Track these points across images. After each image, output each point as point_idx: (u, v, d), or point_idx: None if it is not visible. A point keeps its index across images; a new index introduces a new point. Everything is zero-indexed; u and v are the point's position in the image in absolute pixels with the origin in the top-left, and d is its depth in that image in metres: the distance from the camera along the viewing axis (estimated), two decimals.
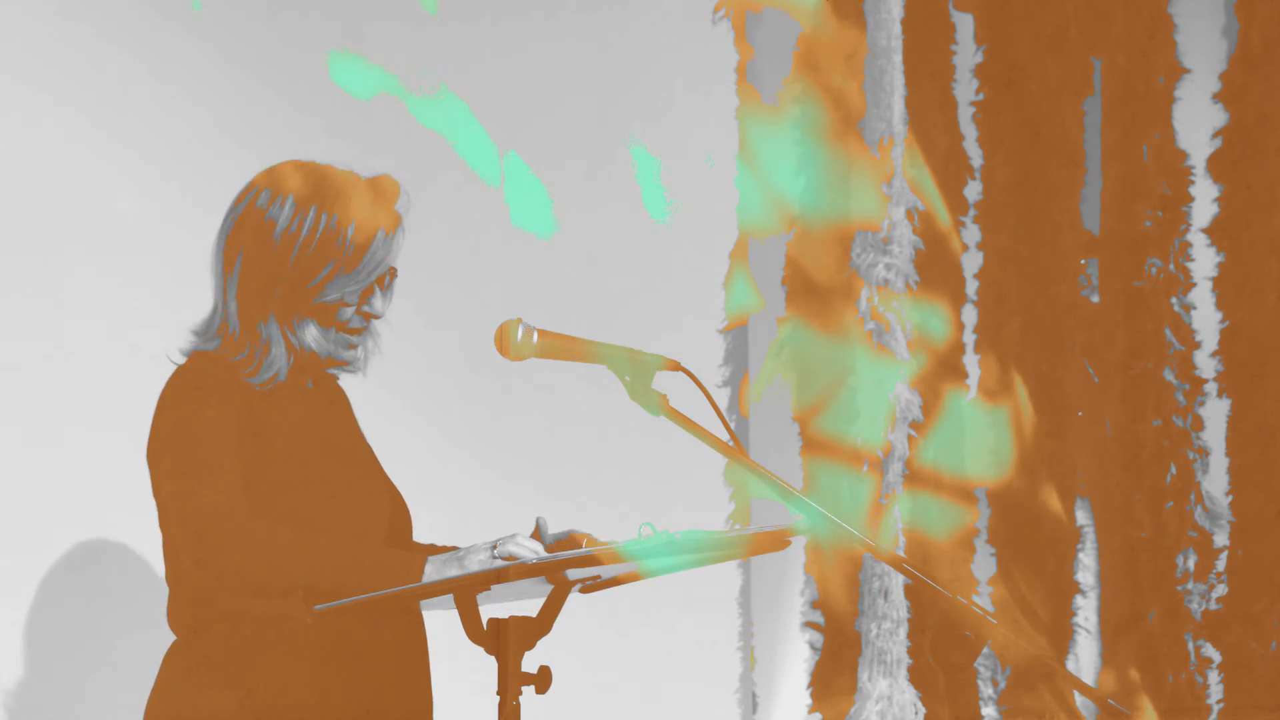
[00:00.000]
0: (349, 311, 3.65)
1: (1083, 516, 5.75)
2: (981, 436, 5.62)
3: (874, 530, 5.43)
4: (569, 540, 3.64)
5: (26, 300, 4.62)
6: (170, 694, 3.58)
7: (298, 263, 3.60)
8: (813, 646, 5.54)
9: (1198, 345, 5.75)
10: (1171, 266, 5.73)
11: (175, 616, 3.61)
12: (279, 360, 3.61)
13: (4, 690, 4.54)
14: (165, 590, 3.62)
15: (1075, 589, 5.71)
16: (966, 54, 5.76)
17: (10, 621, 4.56)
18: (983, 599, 5.64)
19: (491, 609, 3.48)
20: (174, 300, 4.69)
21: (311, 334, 3.64)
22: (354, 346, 3.68)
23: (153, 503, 3.58)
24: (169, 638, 3.62)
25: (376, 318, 3.68)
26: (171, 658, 3.60)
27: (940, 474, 5.53)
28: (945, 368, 5.61)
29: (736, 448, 3.53)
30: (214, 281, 3.66)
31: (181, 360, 3.62)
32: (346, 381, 3.77)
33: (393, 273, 3.68)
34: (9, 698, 4.54)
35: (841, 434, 5.46)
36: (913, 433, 5.49)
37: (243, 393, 3.58)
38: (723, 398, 5.56)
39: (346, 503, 3.63)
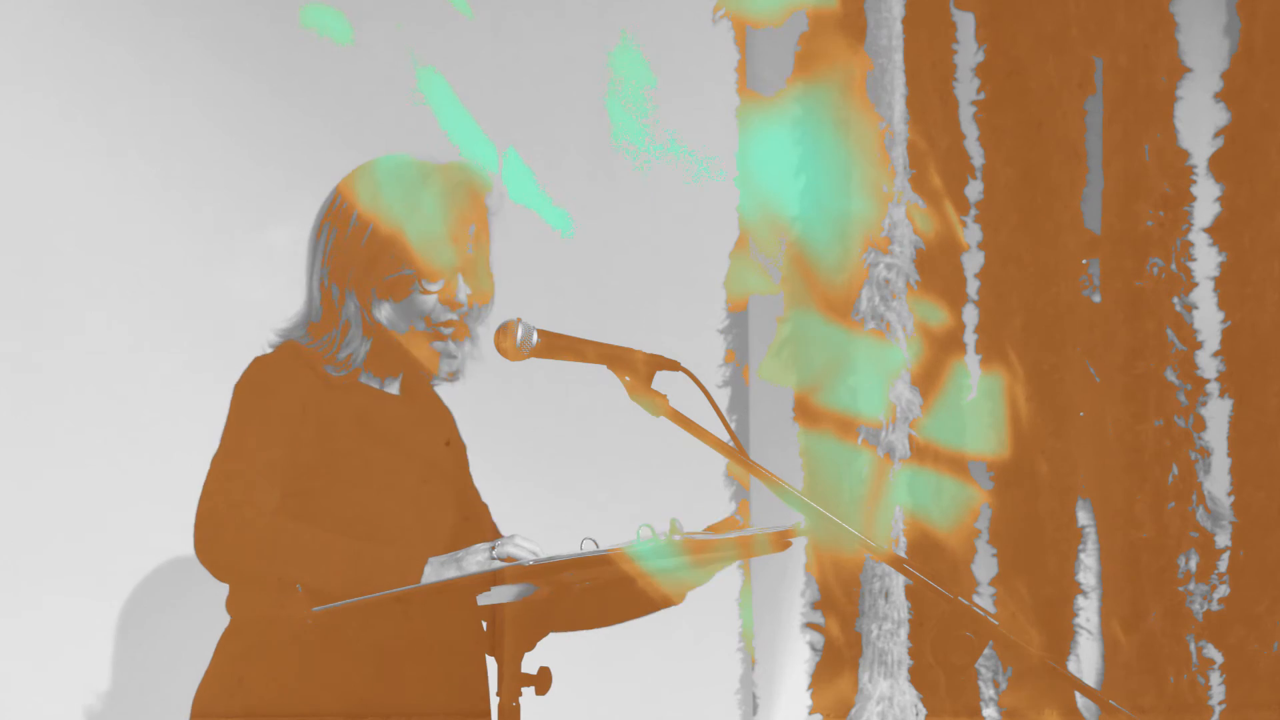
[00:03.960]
0: (429, 301, 3.70)
1: (1084, 517, 5.74)
2: (983, 434, 5.61)
3: (874, 530, 5.42)
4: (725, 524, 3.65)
5: (33, 302, 4.61)
6: (221, 674, 3.64)
7: (368, 248, 3.69)
8: (813, 647, 5.54)
9: (1199, 345, 5.74)
10: (1173, 266, 5.72)
11: (232, 600, 3.66)
12: (355, 340, 3.68)
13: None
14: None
15: (1077, 589, 5.70)
16: (967, 53, 5.75)
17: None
18: (984, 599, 5.63)
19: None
20: (187, 299, 4.69)
21: (385, 312, 3.70)
22: (442, 338, 3.72)
23: None
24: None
25: (457, 306, 3.72)
26: (225, 640, 3.66)
27: (941, 464, 5.53)
28: (946, 363, 5.60)
29: (736, 448, 3.53)
30: (306, 274, 3.76)
31: (269, 350, 3.71)
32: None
33: (472, 258, 3.72)
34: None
35: (842, 433, 5.45)
36: (913, 432, 5.48)
37: (314, 385, 3.65)
38: (723, 398, 5.56)
39: (407, 503, 3.66)
